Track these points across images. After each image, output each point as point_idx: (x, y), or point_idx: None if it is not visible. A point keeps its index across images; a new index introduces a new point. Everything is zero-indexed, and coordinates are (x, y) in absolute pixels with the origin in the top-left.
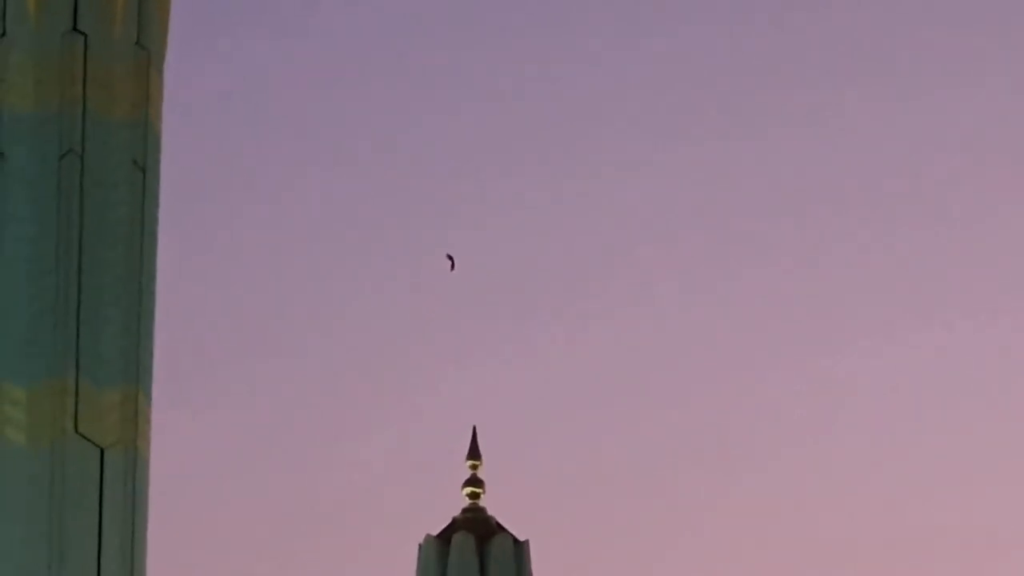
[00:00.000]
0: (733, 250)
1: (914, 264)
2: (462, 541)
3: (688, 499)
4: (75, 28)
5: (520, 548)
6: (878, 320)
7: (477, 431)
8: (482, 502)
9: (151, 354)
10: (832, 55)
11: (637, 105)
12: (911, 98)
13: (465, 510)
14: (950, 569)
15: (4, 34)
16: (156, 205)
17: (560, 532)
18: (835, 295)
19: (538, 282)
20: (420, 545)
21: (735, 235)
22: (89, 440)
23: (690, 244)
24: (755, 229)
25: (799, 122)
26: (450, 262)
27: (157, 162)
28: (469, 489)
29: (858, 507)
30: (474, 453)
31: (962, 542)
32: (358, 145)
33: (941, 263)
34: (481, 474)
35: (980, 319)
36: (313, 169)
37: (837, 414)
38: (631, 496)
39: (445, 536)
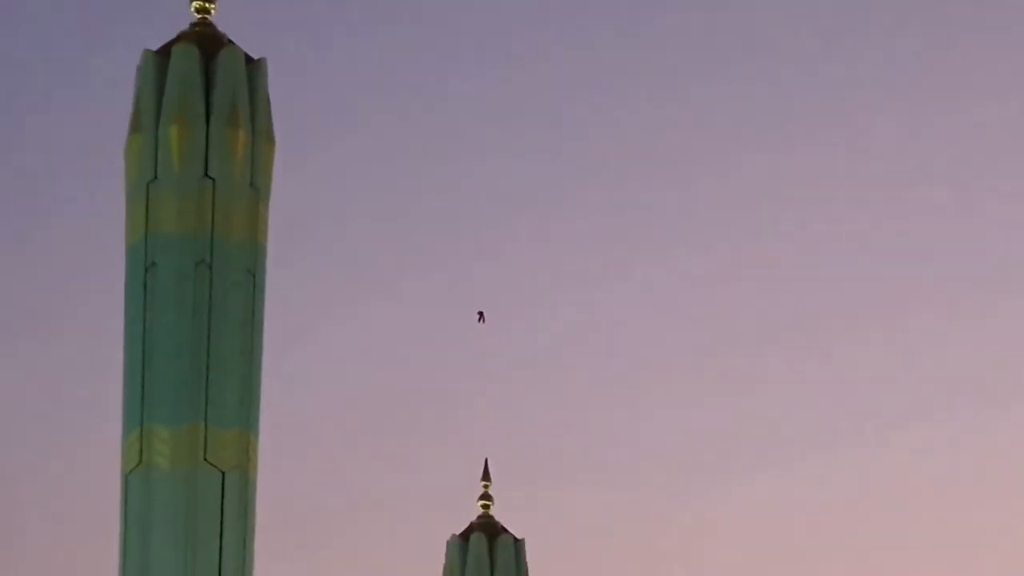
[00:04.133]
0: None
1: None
2: (477, 540)
3: (688, 505)
4: (206, 174)
5: (519, 545)
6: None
7: (488, 461)
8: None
9: (259, 406)
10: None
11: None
12: None
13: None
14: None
15: (156, 178)
16: (263, 301)
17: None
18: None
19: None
20: (447, 542)
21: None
22: (214, 466)
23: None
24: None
25: None
26: (481, 317)
27: (264, 270)
28: (482, 502)
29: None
30: (486, 476)
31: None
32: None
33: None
34: (491, 491)
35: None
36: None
37: (842, 422)
38: (626, 506)
39: (465, 534)
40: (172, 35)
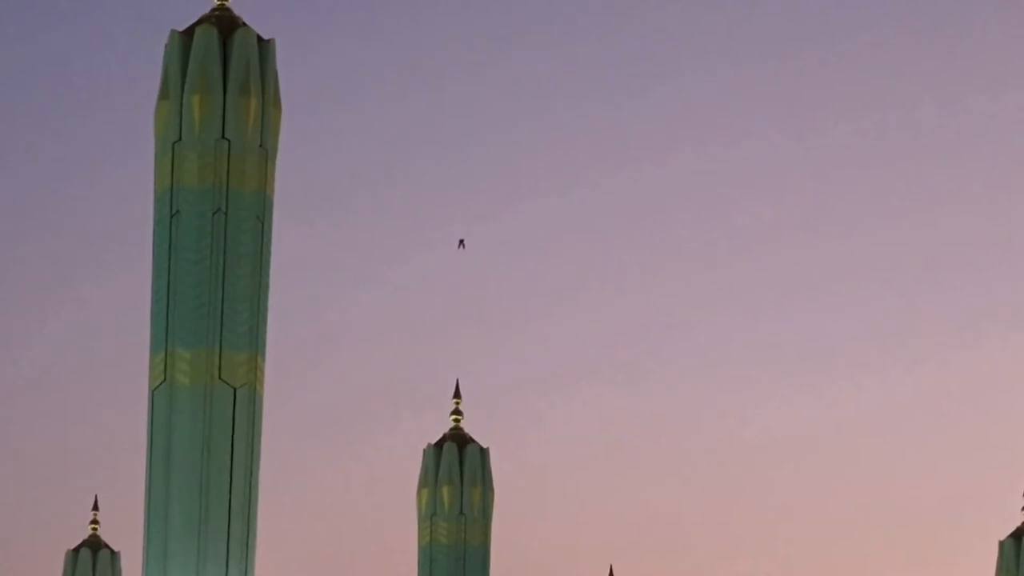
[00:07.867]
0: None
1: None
2: (449, 449)
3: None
4: (223, 136)
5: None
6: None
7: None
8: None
9: (266, 334)
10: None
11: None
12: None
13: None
14: None
15: (180, 139)
16: (270, 243)
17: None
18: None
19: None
20: (424, 450)
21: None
22: (227, 383)
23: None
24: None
25: None
26: (461, 244)
27: (271, 218)
28: (454, 416)
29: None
30: (457, 395)
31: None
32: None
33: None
34: (461, 407)
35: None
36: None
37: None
38: (571, 422)
39: (439, 443)
40: (195, 19)
